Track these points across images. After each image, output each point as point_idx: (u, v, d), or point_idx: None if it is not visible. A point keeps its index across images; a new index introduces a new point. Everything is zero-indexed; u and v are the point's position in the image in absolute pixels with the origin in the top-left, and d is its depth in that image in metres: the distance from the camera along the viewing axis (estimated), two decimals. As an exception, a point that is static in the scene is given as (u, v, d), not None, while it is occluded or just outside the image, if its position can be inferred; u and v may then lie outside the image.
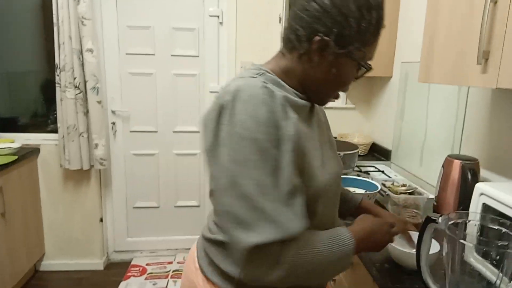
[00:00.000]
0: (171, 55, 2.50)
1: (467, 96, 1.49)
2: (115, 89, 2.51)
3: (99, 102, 2.32)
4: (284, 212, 0.63)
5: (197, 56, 2.53)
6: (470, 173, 1.22)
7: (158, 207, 2.72)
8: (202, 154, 2.66)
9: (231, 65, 2.51)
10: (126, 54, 2.47)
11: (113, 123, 2.54)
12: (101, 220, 2.59)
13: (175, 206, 2.73)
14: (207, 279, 0.80)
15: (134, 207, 2.69)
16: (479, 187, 0.96)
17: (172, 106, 2.58)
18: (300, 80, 0.78)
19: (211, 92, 2.58)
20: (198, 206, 2.75)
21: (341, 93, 0.83)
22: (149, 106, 2.56)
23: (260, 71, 0.76)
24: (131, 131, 2.57)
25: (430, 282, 0.84)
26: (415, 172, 1.86)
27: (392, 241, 0.82)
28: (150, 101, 2.55)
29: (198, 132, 2.64)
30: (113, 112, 2.52)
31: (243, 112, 0.65)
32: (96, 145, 2.36)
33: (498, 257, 0.75)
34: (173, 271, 2.55)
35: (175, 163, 2.66)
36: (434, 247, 0.93)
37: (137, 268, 2.57)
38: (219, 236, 0.77)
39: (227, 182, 0.64)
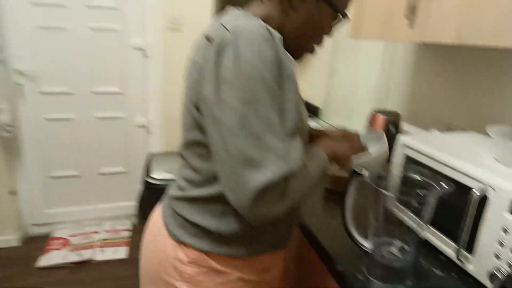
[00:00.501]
0: (87, 7, 2.22)
1: (393, 52, 1.52)
2: (20, 45, 2.18)
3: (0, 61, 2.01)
4: (290, 149, 0.65)
5: (117, 9, 2.28)
6: (393, 127, 1.26)
7: (79, 175, 2.51)
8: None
9: (157, 19, 2.30)
10: (32, 4, 2.13)
11: (20, 85, 2.23)
12: (13, 192, 2.33)
13: (98, 174, 2.55)
14: (179, 243, 0.77)
15: (51, 177, 2.45)
16: (401, 139, 0.98)
17: (90, 65, 2.33)
18: (279, 29, 0.77)
19: (135, 48, 2.37)
20: (125, 173, 2.60)
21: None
22: (63, 64, 2.28)
23: (249, 15, 0.73)
24: (42, 93, 2.29)
25: (354, 231, 0.85)
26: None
27: (359, 147, 0.87)
28: (64, 59, 2.27)
29: (121, 93, 2.44)
30: (19, 72, 2.21)
31: (248, 50, 0.62)
32: (-1, 109, 2.07)
33: (418, 205, 0.77)
34: (100, 240, 2.41)
35: (96, 127, 2.45)
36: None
37: (59, 241, 2.39)
38: (193, 192, 0.77)
39: (235, 123, 0.62)
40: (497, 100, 1.07)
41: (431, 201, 0.75)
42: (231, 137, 0.62)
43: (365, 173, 0.82)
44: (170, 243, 0.79)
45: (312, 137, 0.90)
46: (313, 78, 2.34)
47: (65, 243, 2.38)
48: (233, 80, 0.62)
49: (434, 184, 0.76)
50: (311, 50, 0.82)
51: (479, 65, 1.12)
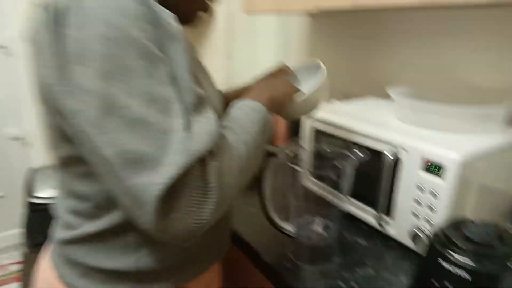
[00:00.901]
0: None
1: (288, 27, 1.50)
2: None
3: None
4: (193, 124, 0.46)
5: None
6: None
7: None
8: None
9: (16, 6, 1.94)
10: None
11: None
12: None
13: (-34, 203, 2.10)
14: None
15: None
16: (308, 113, 0.94)
17: None
18: None
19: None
20: (2, 197, 2.18)
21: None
22: None
23: None
24: None
25: (275, 217, 0.78)
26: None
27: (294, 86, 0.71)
28: None
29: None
30: None
31: (98, 5, 0.44)
32: None
33: (335, 178, 0.73)
34: (-19, 284, 2.00)
35: (-46, 147, 2.00)
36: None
37: None
38: (89, 227, 0.56)
39: (100, 111, 0.43)
40: (393, 62, 1.11)
41: (348, 171, 0.71)
42: (99, 133, 0.43)
43: (280, 152, 0.75)
44: None
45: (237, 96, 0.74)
46: (211, 64, 2.24)
47: None
48: (84, 52, 0.43)
49: (348, 153, 0.73)
50: (205, 8, 0.66)
51: (373, 29, 1.14)
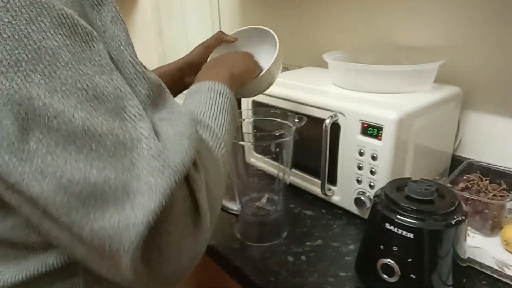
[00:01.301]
0: None
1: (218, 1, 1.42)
2: None
3: None
4: (162, 129, 0.34)
5: None
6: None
7: None
8: None
9: None
10: None
11: None
12: None
13: None
14: None
15: None
16: (244, 85, 0.89)
17: None
18: None
19: None
20: None
21: None
22: None
23: None
24: None
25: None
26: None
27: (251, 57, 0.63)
28: None
29: None
30: None
31: None
32: None
33: (277, 149, 0.70)
34: None
35: None
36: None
37: None
38: (11, 271, 0.37)
39: (17, 127, 0.27)
40: (327, 29, 1.09)
41: (288, 141, 0.68)
42: (20, 160, 0.28)
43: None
44: None
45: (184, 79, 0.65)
46: (141, 44, 2.09)
47: None
48: None
49: (288, 123, 0.70)
50: None
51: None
